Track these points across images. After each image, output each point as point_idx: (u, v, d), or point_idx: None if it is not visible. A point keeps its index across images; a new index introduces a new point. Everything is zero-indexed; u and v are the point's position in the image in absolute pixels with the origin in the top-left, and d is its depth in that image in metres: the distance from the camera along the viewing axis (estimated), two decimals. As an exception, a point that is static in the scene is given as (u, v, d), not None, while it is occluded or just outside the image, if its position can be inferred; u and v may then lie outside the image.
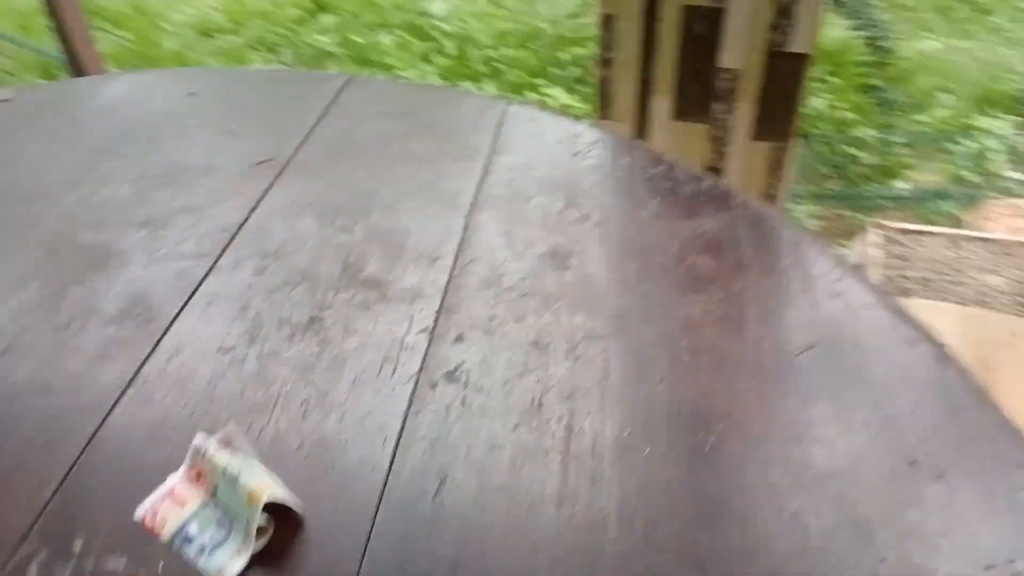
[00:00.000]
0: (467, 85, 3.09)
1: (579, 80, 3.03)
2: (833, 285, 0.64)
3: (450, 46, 3.34)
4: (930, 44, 3.03)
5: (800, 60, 1.27)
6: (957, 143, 2.41)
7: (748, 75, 1.31)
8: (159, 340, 0.63)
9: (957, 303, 1.79)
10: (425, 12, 3.51)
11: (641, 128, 1.44)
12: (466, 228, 0.72)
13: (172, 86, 0.93)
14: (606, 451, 0.53)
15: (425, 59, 3.24)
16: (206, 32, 3.50)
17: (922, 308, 1.77)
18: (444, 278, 0.67)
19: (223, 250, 0.72)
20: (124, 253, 0.72)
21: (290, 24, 3.58)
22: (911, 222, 2.12)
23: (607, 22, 1.33)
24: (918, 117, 2.48)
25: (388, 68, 3.15)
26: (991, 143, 2.42)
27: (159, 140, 0.85)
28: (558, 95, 2.93)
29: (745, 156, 1.39)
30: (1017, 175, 2.40)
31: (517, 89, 3.03)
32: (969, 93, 2.54)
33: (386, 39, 3.44)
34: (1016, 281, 1.87)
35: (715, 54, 1.31)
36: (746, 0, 1.24)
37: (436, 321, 0.64)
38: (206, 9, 3.73)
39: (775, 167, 1.39)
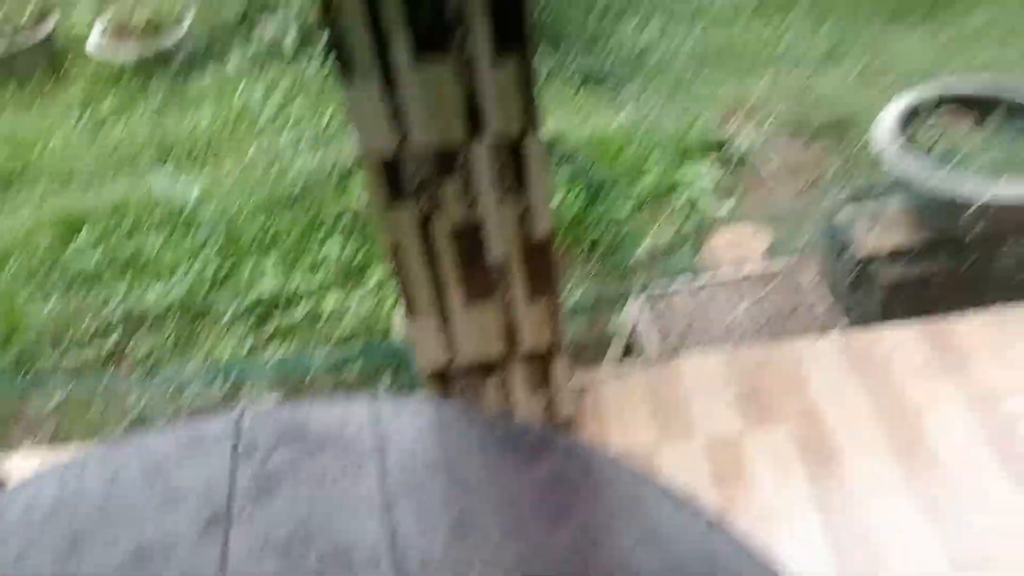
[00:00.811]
0: (248, 262, 3.25)
1: (354, 228, 3.29)
2: (649, 508, 0.98)
3: (217, 230, 3.48)
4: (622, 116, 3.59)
5: (546, 242, 1.65)
6: (673, 197, 2.94)
7: (513, 260, 1.67)
8: None
9: (719, 347, 2.25)
10: (179, 203, 3.59)
11: (444, 315, 1.75)
12: (390, 530, 0.99)
13: (92, 474, 1.11)
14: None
15: (194, 253, 3.35)
16: (-37, 285, 3.41)
17: (691, 361, 2.21)
18: (394, 581, 0.94)
19: (221, 618, 0.94)
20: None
21: (50, 249, 3.57)
22: (661, 280, 2.59)
23: (394, 247, 1.64)
24: (635, 188, 3.00)
25: (169, 273, 3.24)
26: (699, 186, 2.98)
27: (115, 535, 1.04)
28: (335, 253, 3.17)
29: (528, 316, 1.75)
30: (724, 205, 2.97)
31: (298, 254, 3.24)
32: (669, 152, 3.09)
33: (152, 240, 3.51)
34: (751, 309, 2.38)
35: (484, 253, 1.65)
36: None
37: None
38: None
39: (553, 315, 1.76)
